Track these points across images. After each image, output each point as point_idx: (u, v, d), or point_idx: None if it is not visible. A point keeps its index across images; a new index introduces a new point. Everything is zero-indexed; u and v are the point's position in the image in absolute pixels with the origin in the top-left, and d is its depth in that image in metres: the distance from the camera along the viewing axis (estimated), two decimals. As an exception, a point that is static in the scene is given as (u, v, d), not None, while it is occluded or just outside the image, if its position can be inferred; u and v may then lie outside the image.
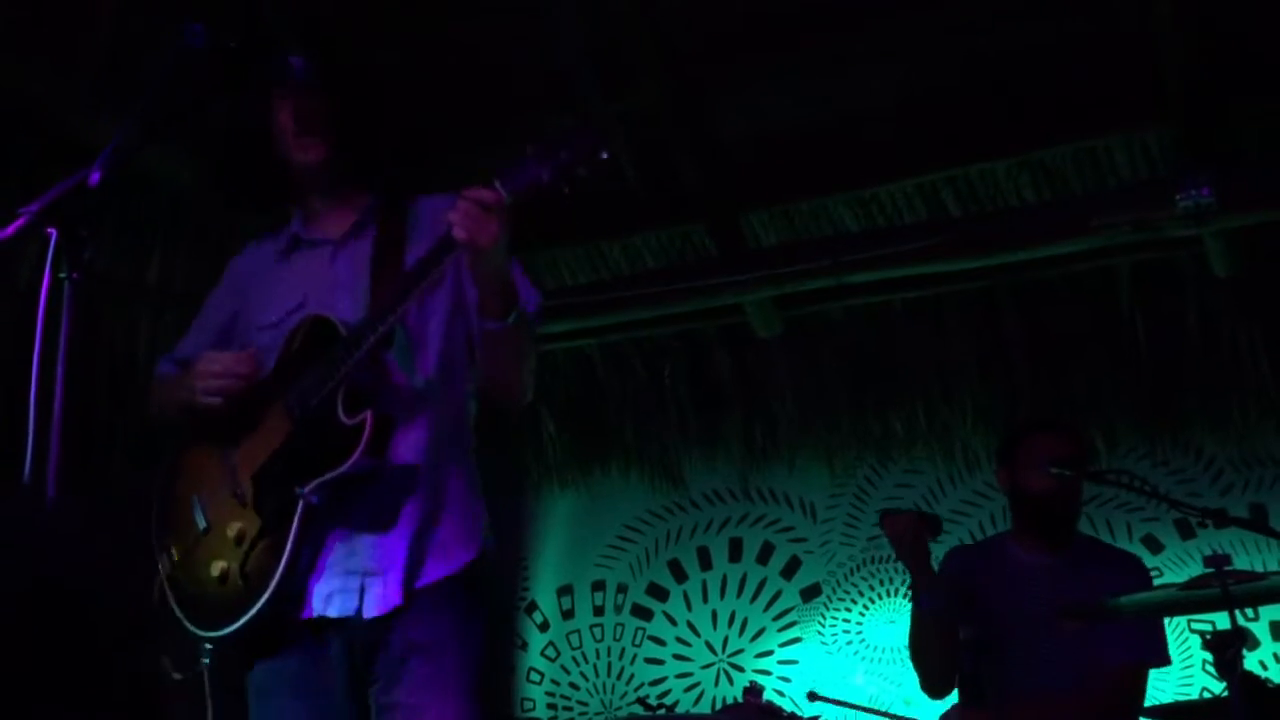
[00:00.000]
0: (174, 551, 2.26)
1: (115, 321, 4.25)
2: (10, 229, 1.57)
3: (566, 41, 4.08)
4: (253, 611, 2.06)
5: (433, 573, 2.13)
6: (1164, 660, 3.38)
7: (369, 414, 2.04)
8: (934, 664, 3.48)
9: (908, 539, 3.41)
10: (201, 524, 2.22)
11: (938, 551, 3.60)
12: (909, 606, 3.53)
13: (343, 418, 2.06)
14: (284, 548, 2.06)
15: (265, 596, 2.05)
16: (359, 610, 2.09)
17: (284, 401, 2.16)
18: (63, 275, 1.58)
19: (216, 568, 2.15)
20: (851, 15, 4.03)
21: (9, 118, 3.60)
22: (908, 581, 3.61)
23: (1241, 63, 3.92)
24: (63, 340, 1.52)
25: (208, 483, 2.24)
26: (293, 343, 2.22)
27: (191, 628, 2.16)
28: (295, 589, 2.09)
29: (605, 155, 1.94)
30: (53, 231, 1.58)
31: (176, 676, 2.17)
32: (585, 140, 1.94)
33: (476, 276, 2.08)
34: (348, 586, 2.10)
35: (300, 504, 2.06)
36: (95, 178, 1.63)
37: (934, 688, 3.52)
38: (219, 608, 2.13)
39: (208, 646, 2.16)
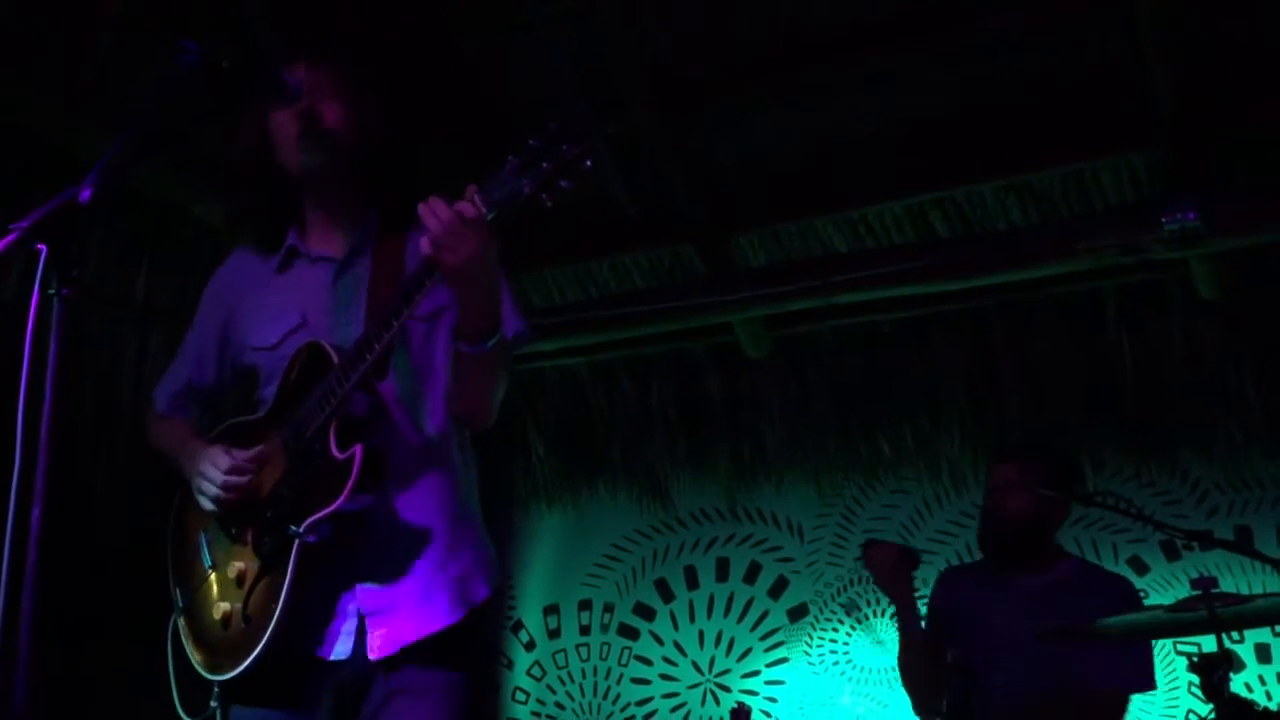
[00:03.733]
0: (184, 590, 2.21)
1: (102, 337, 4.24)
2: (0, 245, 1.56)
3: (560, 64, 4.09)
4: (253, 655, 1.98)
5: (437, 620, 2.04)
6: (1150, 685, 3.40)
7: (358, 448, 1.94)
8: (925, 686, 3.53)
9: (889, 570, 3.52)
10: (207, 562, 2.17)
11: (928, 572, 3.61)
12: (894, 629, 3.55)
13: (335, 452, 1.97)
14: (281, 590, 1.97)
15: (264, 640, 1.97)
16: (359, 652, 2.02)
17: (281, 435, 2.09)
18: (52, 291, 1.57)
19: (219, 610, 2.09)
20: (841, 41, 4.06)
21: (1, 132, 3.60)
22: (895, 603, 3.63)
23: (1228, 87, 3.95)
24: (52, 356, 1.52)
25: (214, 519, 2.18)
26: (291, 372, 2.13)
27: (200, 670, 2.10)
28: (297, 631, 2.00)
29: (589, 164, 1.81)
30: (42, 247, 1.57)
31: None
32: (569, 149, 1.81)
33: (456, 295, 1.96)
34: (348, 629, 2.03)
35: (296, 544, 1.97)
36: (86, 195, 1.62)
37: (927, 708, 3.56)
38: (223, 651, 2.06)
39: (216, 690, 2.07)
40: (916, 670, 3.52)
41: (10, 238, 1.56)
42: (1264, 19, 3.77)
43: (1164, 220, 4.02)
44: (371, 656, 2.01)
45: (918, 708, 3.58)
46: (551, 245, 4.75)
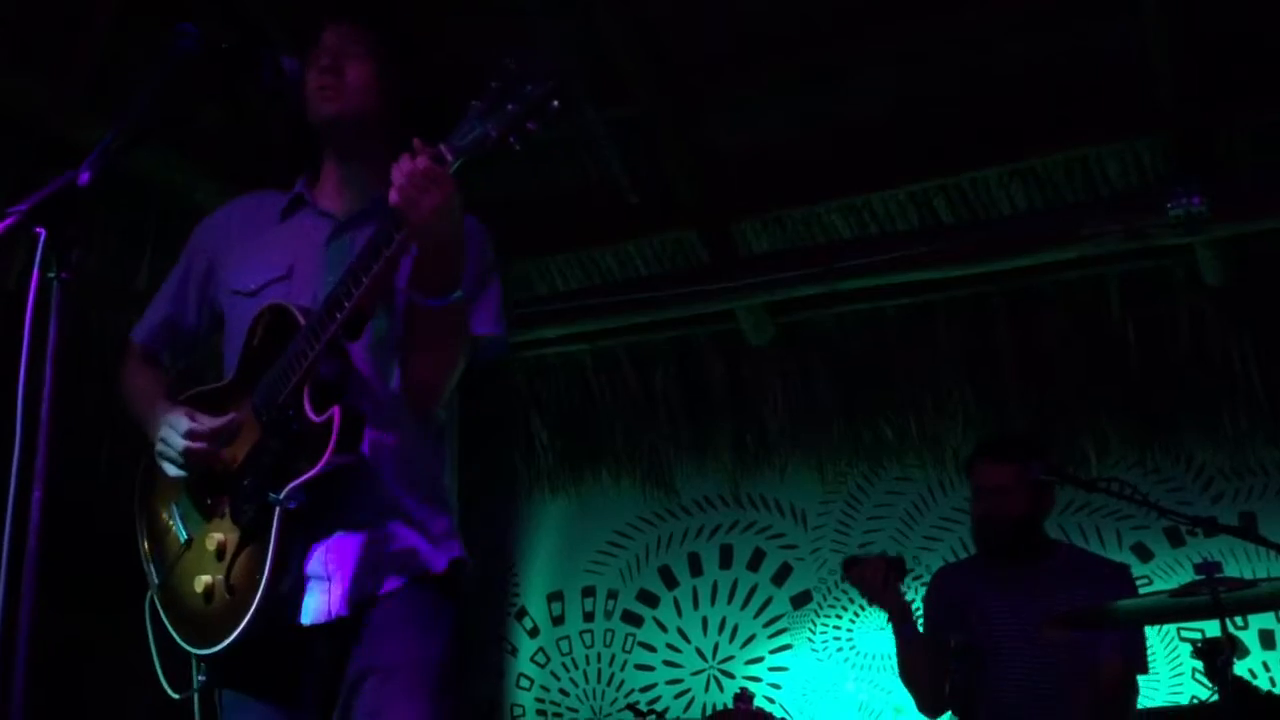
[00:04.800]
0: (159, 565, 2.18)
1: (106, 325, 4.24)
2: (-1, 229, 1.56)
3: (559, 51, 4.08)
4: (241, 626, 1.96)
5: (388, 584, 2.03)
6: (1145, 667, 3.40)
7: (336, 410, 1.91)
8: (927, 686, 3.50)
9: (877, 585, 3.42)
10: (182, 536, 2.14)
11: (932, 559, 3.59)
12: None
13: (311, 416, 1.94)
14: (266, 558, 1.94)
15: (252, 610, 1.95)
16: (301, 616, 2.00)
17: (251, 402, 2.05)
18: (51, 275, 1.56)
19: (200, 584, 2.06)
20: (844, 27, 4.04)
21: (2, 121, 3.59)
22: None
23: (1232, 72, 3.93)
24: (51, 340, 1.51)
25: (184, 491, 2.15)
26: (254, 336, 2.10)
27: (184, 644, 2.08)
28: (283, 598, 1.99)
29: (557, 104, 1.74)
30: (41, 231, 1.56)
31: (175, 696, 2.09)
32: (533, 89, 1.74)
33: (418, 245, 1.92)
34: (313, 590, 2.01)
35: (278, 511, 1.94)
36: (85, 178, 1.62)
37: (931, 708, 3.54)
38: (208, 624, 2.03)
39: (201, 664, 2.05)
40: (920, 672, 3.48)
41: (8, 221, 1.56)
42: (1268, 2, 3.75)
43: (1168, 205, 4.00)
44: (307, 621, 1.99)
45: (922, 706, 3.55)
46: (555, 232, 4.75)
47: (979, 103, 4.15)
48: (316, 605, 2.01)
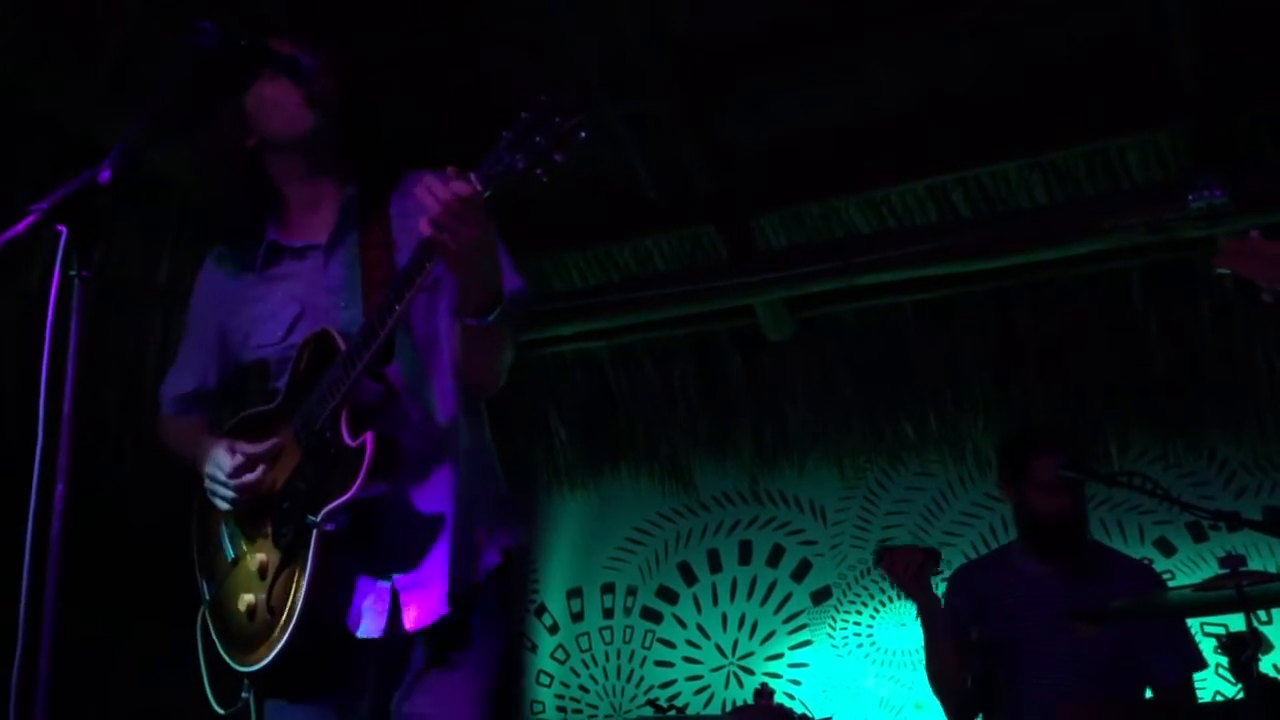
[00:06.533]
0: (210, 582, 2.23)
1: (126, 323, 4.26)
2: (20, 226, 1.57)
3: (577, 47, 4.08)
4: (280, 646, 2.00)
5: (461, 584, 2.07)
6: (1204, 663, 3.41)
7: (370, 436, 1.96)
8: (956, 688, 3.41)
9: (914, 576, 3.36)
10: (230, 554, 2.19)
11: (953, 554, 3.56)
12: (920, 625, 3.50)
13: (347, 441, 1.99)
14: (303, 580, 1.99)
15: (290, 631, 1.99)
16: (392, 630, 2.04)
17: (292, 427, 2.11)
18: (73, 273, 1.57)
19: (244, 602, 2.11)
20: (862, 20, 4.03)
21: (23, 121, 3.61)
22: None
23: (1254, 63, 3.90)
24: (73, 337, 1.52)
25: (234, 511, 2.19)
26: (300, 362, 2.14)
27: (229, 661, 2.12)
28: (322, 618, 2.03)
29: (583, 135, 1.76)
30: (63, 229, 1.57)
31: (221, 711, 2.12)
32: (561, 122, 1.76)
33: (457, 274, 1.97)
34: (377, 607, 2.05)
35: (315, 533, 1.99)
36: (105, 176, 1.63)
37: (959, 713, 3.47)
38: (250, 642, 2.08)
39: (246, 681, 2.10)
40: (952, 675, 3.40)
41: (30, 219, 1.57)
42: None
43: (1190, 198, 3.96)
44: (409, 627, 2.04)
45: (951, 713, 3.48)
46: (572, 228, 4.75)
47: (997, 95, 4.13)
48: (377, 622, 2.05)
